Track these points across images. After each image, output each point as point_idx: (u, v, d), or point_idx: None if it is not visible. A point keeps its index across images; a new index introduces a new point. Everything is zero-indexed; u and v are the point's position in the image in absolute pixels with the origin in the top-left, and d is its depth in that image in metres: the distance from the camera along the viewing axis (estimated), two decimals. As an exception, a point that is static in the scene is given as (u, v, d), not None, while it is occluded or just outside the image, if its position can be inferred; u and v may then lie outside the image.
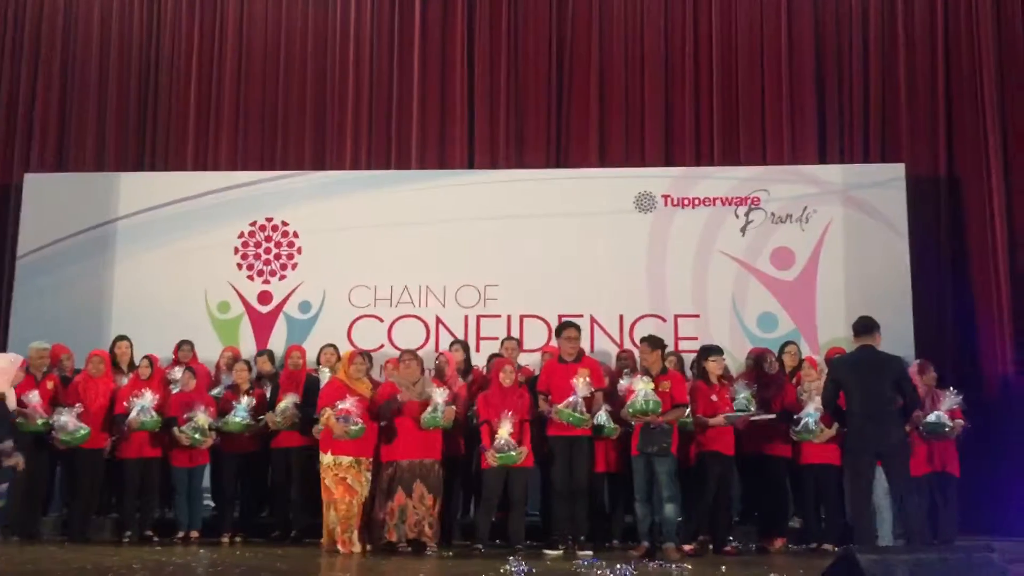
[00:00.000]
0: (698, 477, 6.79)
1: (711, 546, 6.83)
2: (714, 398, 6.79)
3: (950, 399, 6.75)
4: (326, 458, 6.79)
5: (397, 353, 7.99)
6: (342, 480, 6.75)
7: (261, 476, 7.67)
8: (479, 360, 7.99)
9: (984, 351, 8.44)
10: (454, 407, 6.94)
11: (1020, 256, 8.73)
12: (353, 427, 6.68)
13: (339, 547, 6.66)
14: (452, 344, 8.15)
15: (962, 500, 7.05)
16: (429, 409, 6.81)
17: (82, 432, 7.16)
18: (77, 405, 7.25)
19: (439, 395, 6.85)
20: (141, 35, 9.98)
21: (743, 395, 7.09)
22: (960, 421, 6.81)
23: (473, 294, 8.76)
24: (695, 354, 7.81)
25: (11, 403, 6.69)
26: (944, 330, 8.59)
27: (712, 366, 6.86)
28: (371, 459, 6.86)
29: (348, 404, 6.71)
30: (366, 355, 7.28)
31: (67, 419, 7.15)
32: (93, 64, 9.95)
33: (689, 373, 7.67)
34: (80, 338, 8.25)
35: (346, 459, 6.76)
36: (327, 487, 6.78)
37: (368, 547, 6.72)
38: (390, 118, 9.61)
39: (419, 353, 7.35)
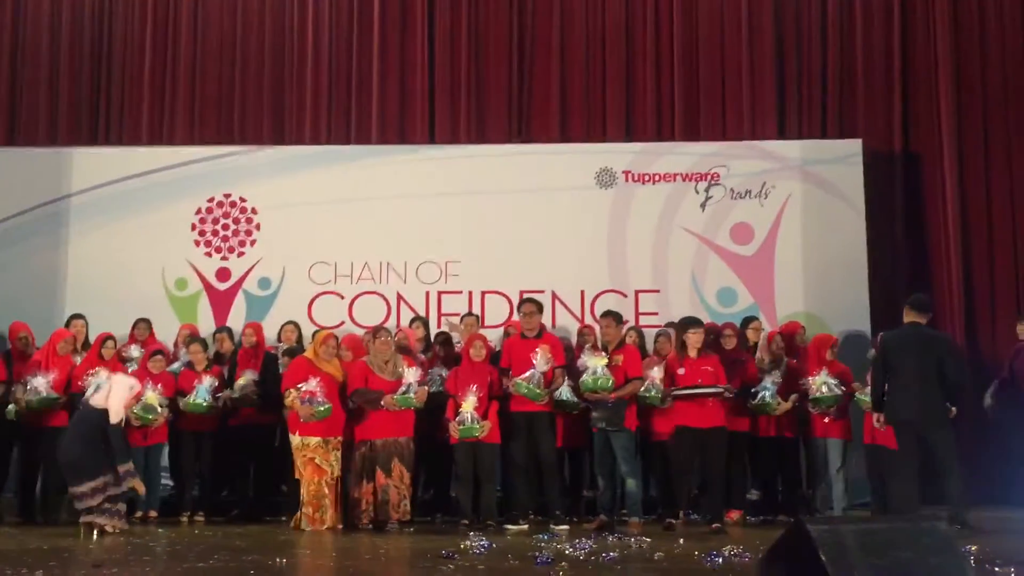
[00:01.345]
0: (673, 450, 6.79)
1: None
2: (681, 371, 6.70)
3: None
4: (294, 439, 6.77)
5: (359, 331, 8.00)
6: (310, 460, 6.74)
7: (220, 454, 7.61)
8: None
9: (937, 325, 8.56)
10: (426, 388, 6.93)
11: (973, 231, 8.88)
12: (320, 407, 6.66)
13: (308, 525, 6.63)
14: (412, 320, 8.14)
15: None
16: (401, 390, 6.80)
17: (52, 396, 7.08)
18: (52, 370, 7.16)
19: (412, 375, 6.84)
20: (93, 6, 9.76)
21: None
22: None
23: (434, 270, 8.74)
24: (655, 328, 7.97)
25: (114, 418, 6.59)
26: (898, 304, 8.66)
27: (693, 338, 6.76)
28: (340, 438, 6.84)
29: (312, 385, 6.68)
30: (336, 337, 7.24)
31: (42, 382, 7.05)
32: (44, 36, 9.72)
33: (649, 348, 7.77)
34: (34, 316, 8.09)
35: (313, 439, 6.74)
36: (297, 467, 6.76)
37: (340, 526, 6.70)
38: (350, 92, 9.50)
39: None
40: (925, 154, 9.04)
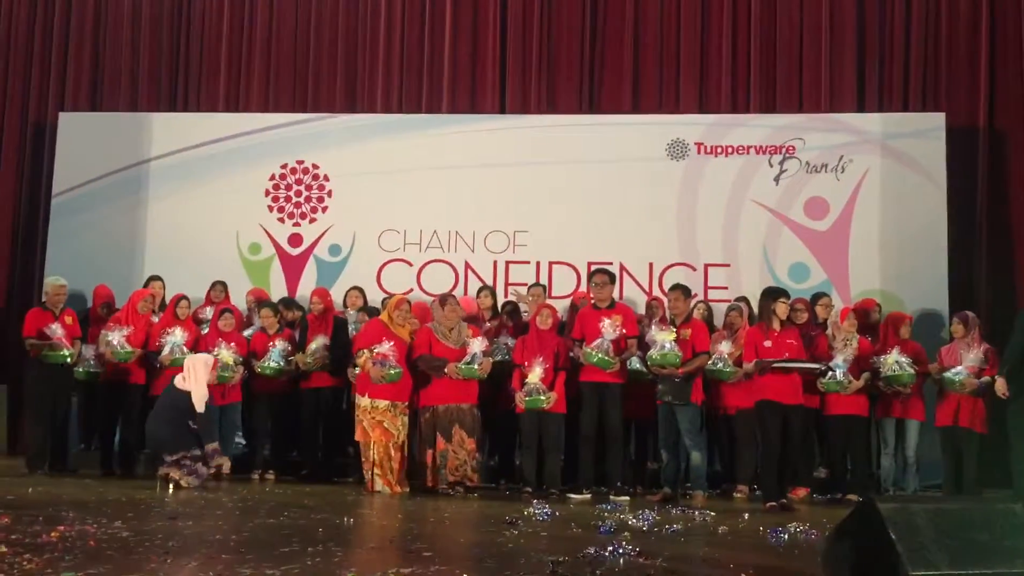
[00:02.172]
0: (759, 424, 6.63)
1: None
2: (768, 344, 6.47)
3: (973, 357, 6.64)
4: (363, 400, 6.86)
5: (427, 298, 8.08)
6: (378, 423, 6.83)
7: (292, 416, 7.78)
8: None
9: (1018, 306, 8.30)
10: (491, 359, 6.97)
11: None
12: (392, 371, 6.75)
13: (375, 487, 6.75)
14: (480, 289, 8.17)
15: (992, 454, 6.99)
16: (466, 359, 6.86)
17: (128, 351, 7.33)
18: (128, 326, 7.41)
19: (478, 345, 6.89)
20: (174, -26, 9.93)
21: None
22: (987, 378, 6.66)
23: (502, 240, 8.75)
24: (724, 303, 7.88)
25: (199, 404, 6.84)
26: (978, 284, 8.46)
27: (782, 309, 6.54)
28: (407, 403, 6.93)
29: (385, 348, 6.77)
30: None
31: (117, 338, 7.28)
32: (126, 3, 9.92)
33: (718, 322, 7.69)
34: (114, 277, 8.41)
35: (382, 403, 6.84)
36: (364, 429, 6.87)
37: (407, 490, 6.81)
38: (422, 61, 9.52)
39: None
40: (1011, 130, 8.71)
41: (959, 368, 6.68)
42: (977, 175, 8.62)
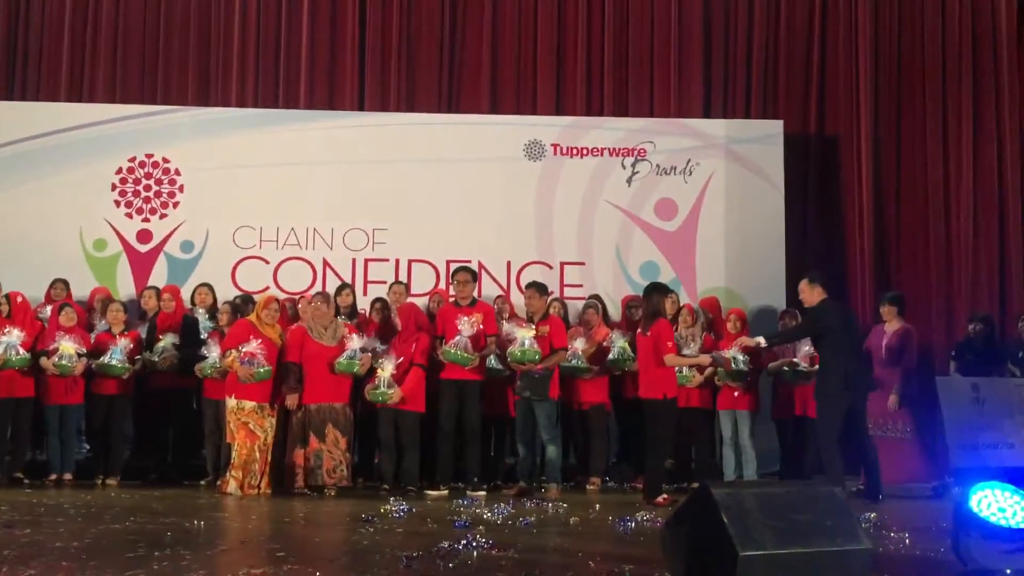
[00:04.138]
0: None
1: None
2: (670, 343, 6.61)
3: (808, 349, 7.09)
4: (230, 402, 6.74)
5: (282, 295, 7.97)
6: (244, 424, 6.71)
7: (138, 417, 7.53)
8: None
9: (848, 303, 8.87)
10: (369, 355, 6.94)
11: (886, 212, 9.20)
12: (261, 369, 6.64)
13: (228, 489, 6.61)
14: (340, 287, 8.11)
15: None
16: (346, 354, 6.82)
17: (24, 356, 6.99)
18: None
19: (357, 342, 6.86)
20: (11, -46, 9.41)
21: (620, 343, 7.30)
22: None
23: (361, 237, 8.71)
24: (580, 300, 8.11)
25: None
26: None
27: (668, 306, 6.98)
28: (276, 405, 6.82)
29: (253, 347, 6.66)
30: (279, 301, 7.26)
31: None
32: (-43, -16, 9.34)
33: (573, 319, 7.90)
34: (-55, 274, 7.88)
35: (249, 403, 6.72)
36: (230, 430, 6.74)
37: (269, 490, 6.69)
38: (278, 55, 9.36)
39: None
40: (841, 135, 9.31)
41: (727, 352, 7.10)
42: (809, 178, 9.20)
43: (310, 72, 9.33)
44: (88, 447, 7.62)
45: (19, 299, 7.40)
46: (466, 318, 6.98)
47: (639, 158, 8.89)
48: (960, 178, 9.12)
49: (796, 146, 9.11)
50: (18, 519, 5.22)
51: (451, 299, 7.51)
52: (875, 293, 8.92)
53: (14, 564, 3.88)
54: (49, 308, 7.65)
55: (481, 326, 7.06)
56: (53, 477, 7.18)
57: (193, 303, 7.84)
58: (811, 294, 6.75)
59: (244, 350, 6.67)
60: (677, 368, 6.98)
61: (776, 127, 8.96)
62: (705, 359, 6.93)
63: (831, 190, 9.27)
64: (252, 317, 6.98)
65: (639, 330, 6.74)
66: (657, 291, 6.72)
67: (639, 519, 5.35)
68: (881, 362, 7.27)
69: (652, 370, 6.48)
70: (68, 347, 7.08)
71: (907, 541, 4.74)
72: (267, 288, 8.33)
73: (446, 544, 4.40)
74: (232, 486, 6.63)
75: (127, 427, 7.50)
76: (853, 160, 9.23)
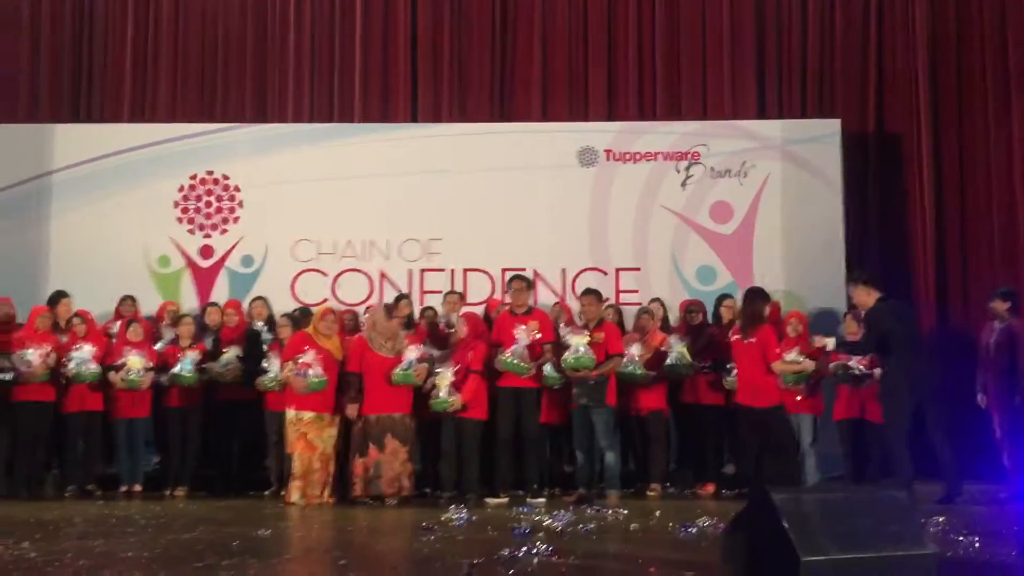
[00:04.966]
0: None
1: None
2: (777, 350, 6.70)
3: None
4: (289, 412, 6.85)
5: (341, 307, 8.09)
6: (302, 435, 6.82)
7: (204, 430, 7.69)
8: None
9: (911, 303, 8.70)
10: (426, 365, 7.00)
11: (947, 211, 8.99)
12: (314, 379, 6.73)
13: (292, 499, 6.71)
14: (398, 298, 8.20)
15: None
16: (402, 366, 6.88)
17: (42, 374, 7.16)
18: (44, 345, 7.22)
19: (413, 352, 6.93)
20: (74, -21, 9.71)
21: (677, 348, 7.26)
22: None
23: (417, 248, 8.80)
24: (635, 306, 8.08)
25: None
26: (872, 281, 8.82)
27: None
28: (335, 415, 6.91)
29: (308, 357, 6.76)
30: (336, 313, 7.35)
31: (34, 356, 7.11)
32: (25, 11, 9.66)
33: (629, 325, 7.87)
34: (18, 293, 8.09)
35: (307, 414, 6.82)
36: (289, 441, 6.84)
37: (332, 500, 6.78)
38: (332, 70, 9.52)
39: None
40: (901, 134, 9.14)
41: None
42: (869, 178, 9.03)
43: (364, 86, 9.46)
44: (157, 459, 7.82)
45: (88, 316, 7.66)
46: (523, 327, 7.01)
47: (693, 161, 8.83)
48: (1024, 174, 8.89)
49: (854, 145, 8.96)
50: (91, 530, 5.38)
51: (505, 307, 7.52)
52: (938, 292, 8.75)
53: (88, 574, 4.00)
54: (117, 324, 7.87)
55: (538, 334, 7.07)
56: (123, 489, 7.37)
57: (250, 316, 7.98)
58: (865, 297, 6.59)
59: (300, 361, 6.77)
60: (736, 373, 6.94)
61: (833, 126, 8.82)
62: (810, 364, 6.82)
63: (891, 189, 9.08)
64: (309, 329, 7.08)
65: (735, 336, 6.64)
66: (760, 297, 6.62)
67: (701, 525, 5.31)
68: (987, 360, 6.99)
69: (760, 377, 6.39)
70: (136, 361, 7.29)
71: (976, 545, 4.63)
72: (325, 300, 8.44)
73: (507, 551, 4.42)
74: (295, 495, 6.73)
75: (195, 439, 7.66)
76: (914, 158, 9.04)
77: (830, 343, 6.64)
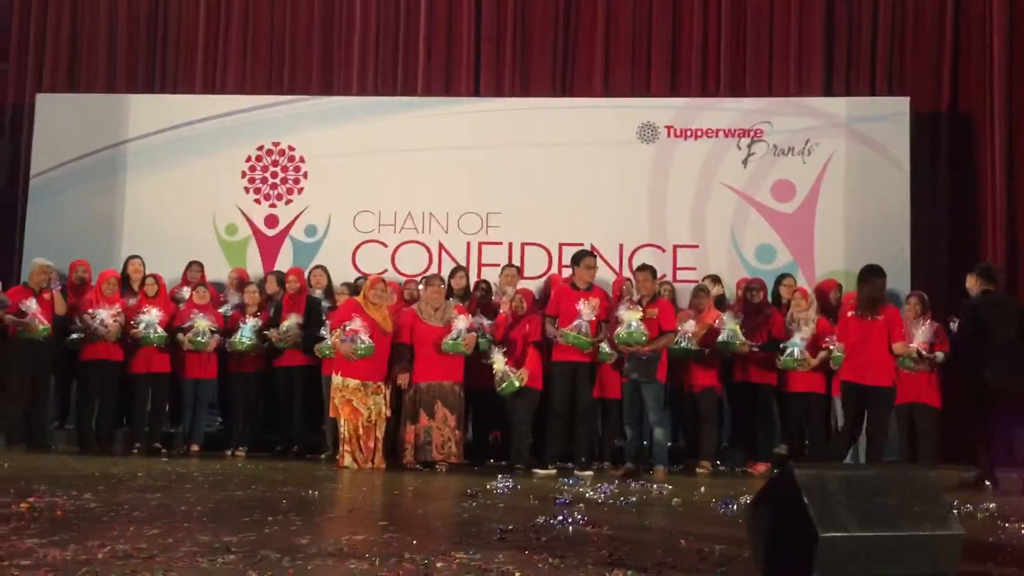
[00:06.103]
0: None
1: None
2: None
3: (922, 332, 6.81)
4: (336, 379, 7.01)
5: (400, 279, 8.25)
6: (347, 402, 6.97)
7: (265, 394, 7.93)
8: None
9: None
10: (475, 335, 7.11)
11: (1018, 193, 8.71)
12: (361, 345, 6.88)
13: (344, 463, 6.89)
14: (454, 270, 8.31)
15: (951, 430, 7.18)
16: (451, 335, 7.01)
17: (116, 332, 7.50)
18: (116, 306, 7.54)
19: (462, 323, 7.04)
20: (151, -44, 9.98)
21: (730, 325, 7.21)
22: (939, 354, 6.86)
23: (475, 221, 8.89)
24: (695, 283, 8.03)
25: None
26: (939, 265, 8.63)
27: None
28: (380, 383, 7.04)
29: (356, 324, 6.90)
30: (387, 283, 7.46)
31: (106, 316, 7.44)
32: (104, -13, 9.97)
33: (684, 303, 7.85)
34: (92, 258, 8.45)
35: (352, 382, 6.97)
36: (335, 406, 7.02)
37: (383, 466, 6.94)
38: (396, 44, 9.61)
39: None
40: (973, 114, 8.85)
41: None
42: (939, 158, 8.78)
43: (427, 60, 9.54)
44: (221, 420, 8.10)
45: (161, 280, 7.94)
46: (586, 302, 7.05)
47: (755, 139, 8.72)
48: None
49: (926, 125, 8.73)
50: (151, 484, 5.63)
51: (566, 280, 7.57)
52: (1009, 277, 8.49)
53: (140, 524, 4.20)
54: (186, 289, 8.16)
55: (597, 310, 7.12)
56: (184, 448, 7.67)
57: (310, 284, 8.18)
58: (974, 285, 6.67)
59: (348, 328, 6.91)
60: (789, 353, 6.89)
61: (902, 104, 8.60)
62: (938, 355, 6.79)
63: (962, 170, 8.81)
64: (359, 297, 7.22)
65: (852, 313, 6.31)
66: (878, 274, 6.36)
67: (744, 501, 5.30)
68: None
69: (884, 356, 6.23)
70: (203, 324, 7.56)
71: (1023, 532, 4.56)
72: (385, 272, 8.58)
73: (542, 519, 4.50)
74: (348, 459, 6.91)
75: (256, 403, 7.91)
76: (986, 139, 8.75)
77: (939, 355, 6.74)
